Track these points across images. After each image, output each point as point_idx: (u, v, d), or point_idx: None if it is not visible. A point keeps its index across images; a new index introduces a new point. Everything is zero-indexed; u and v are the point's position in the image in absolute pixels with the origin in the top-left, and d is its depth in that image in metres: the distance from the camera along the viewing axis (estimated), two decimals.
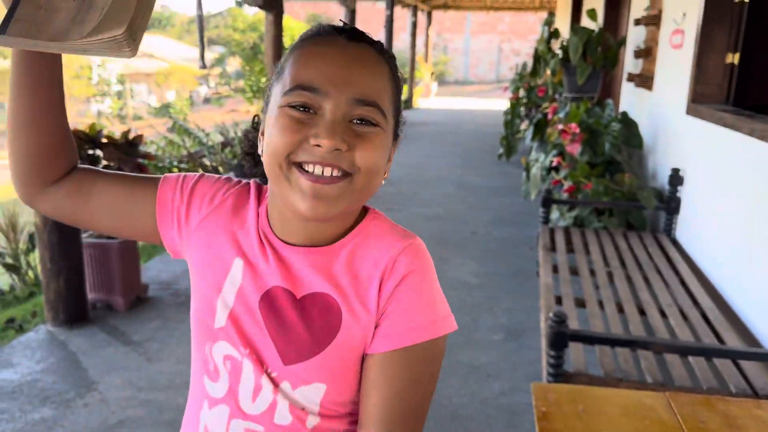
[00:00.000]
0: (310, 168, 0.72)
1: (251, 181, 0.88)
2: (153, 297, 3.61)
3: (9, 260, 4.44)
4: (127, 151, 3.23)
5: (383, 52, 0.78)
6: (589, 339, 2.07)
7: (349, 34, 0.76)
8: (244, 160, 4.16)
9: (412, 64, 14.19)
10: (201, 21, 5.11)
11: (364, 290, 0.78)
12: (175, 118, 5.32)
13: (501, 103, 16.63)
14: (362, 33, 0.78)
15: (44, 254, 3.05)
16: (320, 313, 0.78)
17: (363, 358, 0.80)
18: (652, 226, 3.93)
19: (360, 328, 0.78)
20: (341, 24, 0.79)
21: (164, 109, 19.99)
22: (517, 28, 26.38)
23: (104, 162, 3.22)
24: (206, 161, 5.73)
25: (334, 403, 0.80)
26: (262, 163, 0.80)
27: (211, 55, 29.16)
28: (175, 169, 4.64)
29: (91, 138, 3.12)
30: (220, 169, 5.63)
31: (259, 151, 0.80)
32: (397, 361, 0.76)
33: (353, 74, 0.73)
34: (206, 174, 0.89)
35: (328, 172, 0.72)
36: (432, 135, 10.25)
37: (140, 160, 3.29)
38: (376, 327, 0.78)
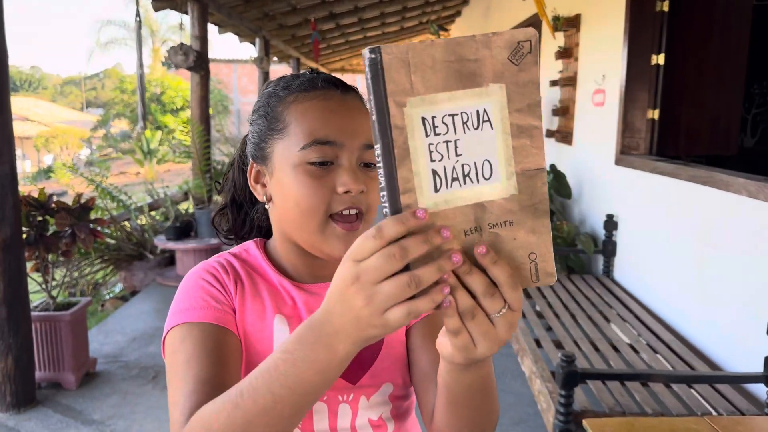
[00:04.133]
0: (345, 212, 0.79)
1: (229, 257, 0.89)
2: (102, 371, 3.34)
3: None
4: (79, 216, 3.04)
5: (362, 97, 0.86)
6: (599, 376, 2.18)
7: (342, 85, 0.85)
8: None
9: None
10: (142, 81, 4.93)
11: None
12: (97, 182, 5.04)
13: None
14: (345, 82, 0.86)
15: None
16: None
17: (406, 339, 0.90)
18: (587, 268, 4.20)
19: None
20: (318, 73, 0.85)
21: (43, 174, 18.77)
22: None
23: (55, 228, 3.01)
24: (127, 224, 5.46)
25: (401, 397, 0.88)
26: (247, 212, 0.94)
27: (90, 117, 27.90)
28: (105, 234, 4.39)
29: (41, 204, 2.92)
30: (148, 232, 5.37)
31: (265, 203, 0.86)
32: (434, 317, 0.88)
33: (357, 123, 0.81)
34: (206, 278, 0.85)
35: (354, 211, 0.80)
36: None
37: (92, 225, 3.10)
38: None
